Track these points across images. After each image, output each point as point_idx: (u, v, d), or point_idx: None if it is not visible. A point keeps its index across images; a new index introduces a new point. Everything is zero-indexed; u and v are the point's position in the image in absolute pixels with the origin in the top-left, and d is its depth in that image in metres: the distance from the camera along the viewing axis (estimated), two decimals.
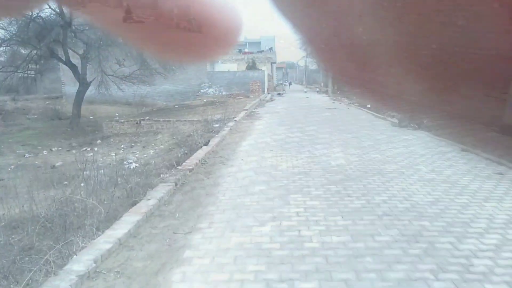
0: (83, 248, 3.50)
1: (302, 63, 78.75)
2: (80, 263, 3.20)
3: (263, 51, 50.60)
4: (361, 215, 4.54)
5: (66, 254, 3.45)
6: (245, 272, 3.26)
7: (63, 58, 19.52)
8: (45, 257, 3.34)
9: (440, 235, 3.95)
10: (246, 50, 54.76)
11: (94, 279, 3.13)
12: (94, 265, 3.23)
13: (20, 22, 17.86)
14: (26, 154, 13.54)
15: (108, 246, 3.53)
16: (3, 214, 4.95)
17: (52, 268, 3.18)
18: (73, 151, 13.76)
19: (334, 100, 27.02)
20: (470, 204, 4.86)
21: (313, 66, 68.22)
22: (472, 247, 3.66)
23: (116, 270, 3.27)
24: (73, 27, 18.73)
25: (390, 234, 3.99)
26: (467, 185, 5.68)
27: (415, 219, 4.38)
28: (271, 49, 53.05)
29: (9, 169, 10.70)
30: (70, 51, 19.55)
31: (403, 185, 5.73)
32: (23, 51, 20.11)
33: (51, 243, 3.78)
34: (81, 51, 19.76)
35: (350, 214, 4.56)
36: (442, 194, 5.27)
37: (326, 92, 37.81)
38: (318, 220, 4.39)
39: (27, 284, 3.05)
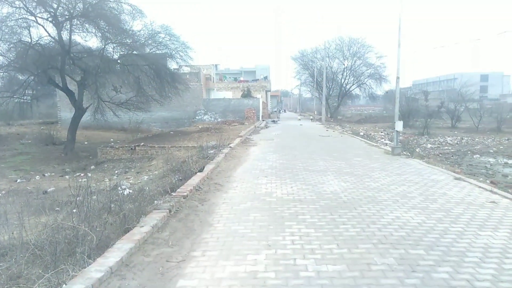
0: (73, 276, 3.41)
1: (296, 91, 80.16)
2: None
3: (258, 79, 51.46)
4: (356, 243, 4.50)
5: (56, 283, 3.36)
6: None
7: (60, 84, 19.71)
8: (34, 287, 3.25)
9: (436, 264, 3.91)
10: (242, 78, 55.74)
11: None
12: None
13: (19, 48, 18.12)
14: (18, 179, 13.38)
15: (99, 275, 3.45)
16: None
17: None
18: (66, 176, 13.63)
19: (327, 127, 27.32)
20: (465, 233, 4.85)
21: (306, 94, 69.46)
22: (469, 277, 3.62)
23: None
24: (72, 54, 19.02)
25: (386, 262, 3.95)
26: (461, 214, 5.68)
27: (411, 247, 4.35)
28: (266, 77, 53.97)
29: (0, 195, 10.53)
30: (67, 78, 19.77)
31: (397, 213, 5.72)
32: (21, 77, 20.28)
33: (40, 271, 3.69)
34: (78, 78, 20.00)
35: (345, 242, 4.52)
36: (436, 222, 5.26)
37: (319, 120, 38.26)
38: (313, 249, 4.34)
39: None
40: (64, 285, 3.25)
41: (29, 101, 22.16)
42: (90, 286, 3.27)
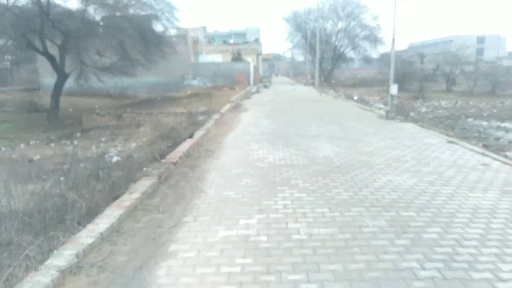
0: (64, 243, 3.37)
1: (288, 54, 78.68)
2: (62, 258, 3.09)
3: (248, 42, 50.26)
4: (348, 206, 4.53)
5: (47, 249, 3.32)
6: (232, 265, 3.20)
7: (41, 49, 18.86)
8: (25, 252, 3.20)
9: (426, 225, 3.97)
10: (231, 41, 54.35)
11: (76, 274, 3.02)
12: (76, 260, 3.12)
13: None
14: (3, 148, 13.08)
15: (90, 240, 3.41)
16: None
17: (33, 263, 3.05)
18: (52, 144, 13.37)
19: (321, 92, 27.11)
20: (456, 195, 4.91)
21: (299, 57, 68.30)
22: (457, 237, 3.69)
23: (99, 265, 3.17)
24: (51, 17, 18.07)
25: (377, 225, 3.99)
26: (453, 176, 5.74)
27: (402, 210, 4.40)
28: (257, 40, 52.75)
29: None
30: (47, 42, 18.89)
31: (390, 176, 5.76)
32: None
33: (30, 238, 3.63)
34: (59, 42, 19.12)
35: (337, 206, 4.55)
36: (428, 185, 5.32)
37: (312, 84, 37.90)
38: (305, 212, 4.36)
39: (7, 280, 2.93)
40: (55, 251, 3.21)
41: (9, 67, 21.33)
42: (82, 251, 3.24)
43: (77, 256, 3.16)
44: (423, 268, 3.12)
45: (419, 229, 3.87)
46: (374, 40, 45.39)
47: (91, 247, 3.39)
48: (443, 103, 23.66)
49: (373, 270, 3.10)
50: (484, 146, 8.94)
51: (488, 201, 4.68)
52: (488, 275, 3.02)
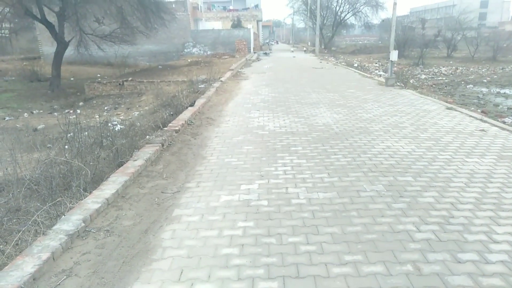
0: (71, 208, 3.49)
1: (289, 21, 76.78)
2: (69, 223, 3.20)
3: (248, 8, 48.93)
4: (347, 172, 4.62)
5: (54, 214, 3.44)
6: (234, 228, 3.33)
7: (39, 16, 18.48)
8: (33, 218, 3.32)
9: (423, 189, 4.06)
10: (231, 7, 52.88)
11: (84, 238, 3.15)
12: (83, 224, 3.24)
13: None
14: (6, 117, 13.18)
15: (96, 206, 3.53)
16: None
17: (41, 228, 3.17)
18: (55, 113, 13.46)
19: (321, 59, 26.71)
20: (453, 160, 4.98)
21: (300, 24, 66.75)
22: (453, 201, 3.79)
23: (105, 229, 3.30)
24: None
25: (375, 189, 4.09)
26: (450, 142, 5.80)
27: (400, 175, 4.49)
28: (257, 6, 51.29)
29: None
30: (45, 9, 18.48)
31: (388, 143, 5.81)
32: None
33: (38, 204, 3.76)
34: (57, 8, 18.70)
35: (336, 171, 4.64)
36: (426, 151, 5.38)
37: (313, 51, 37.25)
38: (305, 178, 4.46)
39: (16, 244, 3.05)
40: (63, 216, 3.32)
41: (8, 35, 20.96)
42: (88, 217, 3.36)
43: (84, 221, 3.28)
44: (419, 231, 3.22)
45: (415, 193, 3.97)
46: (375, 5, 44.33)
47: (98, 212, 3.51)
48: (443, 69, 23.34)
49: (370, 232, 3.22)
50: (483, 112, 8.95)
51: (485, 166, 4.75)
52: (482, 237, 3.12)
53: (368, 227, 3.30)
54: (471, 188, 4.09)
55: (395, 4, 12.67)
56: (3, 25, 19.58)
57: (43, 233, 3.06)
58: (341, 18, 46.77)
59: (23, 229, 3.21)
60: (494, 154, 5.20)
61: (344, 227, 3.31)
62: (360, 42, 59.54)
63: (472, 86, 16.88)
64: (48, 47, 25.58)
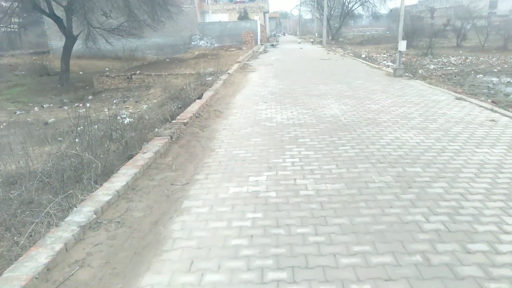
0: (82, 200, 3.55)
1: (296, 12, 76.08)
2: (81, 215, 3.26)
3: (255, 0, 48.54)
4: (355, 163, 4.61)
5: (66, 206, 3.50)
6: (243, 219, 3.36)
7: (47, 10, 18.58)
8: (46, 210, 3.39)
9: (432, 180, 4.04)
10: None
11: (95, 229, 3.20)
12: (94, 216, 3.29)
13: None
14: (18, 111, 13.35)
15: (107, 198, 3.58)
16: (0, 171, 4.95)
17: (54, 220, 3.23)
18: (65, 107, 13.58)
19: (328, 50, 26.48)
20: (462, 150, 4.94)
21: (307, 15, 66.13)
22: (462, 191, 3.77)
23: (117, 220, 3.35)
24: None
25: (383, 180, 4.08)
26: (460, 132, 5.74)
27: (408, 166, 4.47)
28: None
29: (1, 126, 10.59)
30: (53, 3, 18.57)
31: (397, 134, 5.78)
32: (4, 4, 19.10)
33: (50, 196, 3.82)
34: (64, 3, 18.78)
35: (344, 163, 4.63)
36: (435, 141, 5.34)
37: (320, 42, 36.91)
38: (313, 169, 4.46)
39: (30, 236, 3.12)
40: (74, 208, 3.38)
41: (17, 30, 21.16)
42: (100, 209, 3.41)
43: (95, 212, 3.33)
44: (428, 221, 3.22)
45: (424, 184, 3.95)
46: None
47: (109, 204, 3.57)
48: (452, 59, 22.98)
49: (379, 223, 3.22)
50: (493, 102, 8.82)
51: (495, 156, 4.70)
52: (492, 227, 3.10)
53: (377, 218, 3.30)
54: (481, 178, 4.06)
55: None
56: (12, 20, 19.76)
57: (56, 225, 3.12)
58: (349, 8, 46.22)
59: (36, 221, 3.28)
60: (505, 144, 5.14)
61: (352, 218, 3.32)
62: (368, 33, 58.84)
63: (482, 76, 16.61)
64: (57, 41, 25.74)
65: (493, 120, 6.37)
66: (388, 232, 3.08)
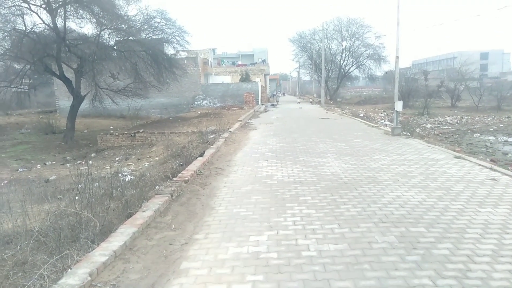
0: (78, 261, 3.45)
1: (295, 74, 79.51)
2: (75, 277, 3.15)
3: (256, 63, 51.08)
4: (357, 222, 4.54)
5: (61, 268, 3.40)
6: (243, 282, 3.23)
7: (57, 73, 19.53)
8: (39, 272, 3.28)
9: (437, 241, 3.95)
10: (240, 62, 55.28)
11: None
12: (89, 278, 3.18)
13: (14, 37, 17.89)
14: (20, 169, 13.42)
15: (103, 259, 3.48)
16: None
17: (47, 282, 3.12)
18: (67, 164, 13.67)
19: (327, 110, 27.22)
20: (465, 210, 4.89)
21: (305, 77, 68.99)
22: (469, 253, 3.66)
23: (112, 283, 3.23)
24: (67, 42, 18.77)
25: (387, 241, 3.99)
26: (461, 191, 5.71)
27: (412, 225, 4.39)
28: (264, 61, 53.57)
29: (2, 184, 10.58)
30: (64, 66, 19.57)
31: (398, 192, 5.75)
32: (17, 66, 20.10)
33: (45, 257, 3.72)
34: (75, 65, 19.80)
35: (346, 222, 4.56)
36: (437, 200, 5.30)
37: (319, 102, 38.10)
38: (315, 229, 4.38)
39: None
40: (69, 270, 3.28)
41: (27, 90, 22.02)
42: (95, 270, 3.30)
43: (90, 274, 3.22)
44: (435, 285, 3.09)
45: (429, 245, 3.85)
46: (378, 58, 46.06)
47: (105, 265, 3.46)
48: (448, 118, 23.55)
49: (384, 287, 3.09)
50: (492, 161, 8.88)
51: (499, 216, 4.64)
52: None
53: (382, 281, 3.18)
54: (486, 239, 3.97)
55: (397, 58, 13.16)
56: (23, 81, 20.64)
57: None
58: (345, 71, 48.44)
59: (29, 283, 3.16)
60: (508, 204, 5.09)
61: (356, 281, 3.20)
62: (365, 93, 61.08)
63: (479, 134, 16.90)
64: (65, 101, 26.67)
65: (493, 179, 6.37)
66: None
